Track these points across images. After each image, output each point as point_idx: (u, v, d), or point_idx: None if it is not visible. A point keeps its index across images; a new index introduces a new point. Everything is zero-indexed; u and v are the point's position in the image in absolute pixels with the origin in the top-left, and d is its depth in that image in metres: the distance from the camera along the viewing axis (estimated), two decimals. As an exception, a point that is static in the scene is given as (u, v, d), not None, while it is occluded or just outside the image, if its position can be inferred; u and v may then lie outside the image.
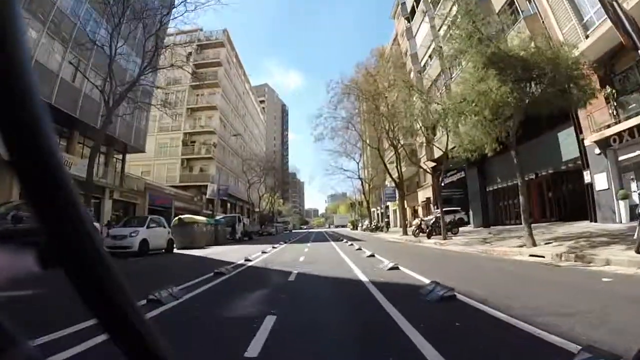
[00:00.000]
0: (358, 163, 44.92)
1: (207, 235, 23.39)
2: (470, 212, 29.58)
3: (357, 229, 57.26)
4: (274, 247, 19.33)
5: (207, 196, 40.73)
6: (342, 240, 26.28)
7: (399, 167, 31.16)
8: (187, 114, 46.49)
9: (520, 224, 14.00)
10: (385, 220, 51.37)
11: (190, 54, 51.45)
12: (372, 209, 61.41)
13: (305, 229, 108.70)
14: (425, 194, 37.33)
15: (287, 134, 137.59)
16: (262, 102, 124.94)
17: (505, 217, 25.94)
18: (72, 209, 0.39)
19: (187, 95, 47.41)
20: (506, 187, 25.15)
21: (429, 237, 19.63)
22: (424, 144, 34.23)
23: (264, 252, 16.23)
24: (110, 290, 0.41)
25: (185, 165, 43.91)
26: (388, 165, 36.74)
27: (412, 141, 36.42)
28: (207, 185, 41.93)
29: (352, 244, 19.94)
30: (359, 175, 45.81)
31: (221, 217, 32.54)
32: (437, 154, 31.23)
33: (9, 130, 0.35)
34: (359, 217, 63.34)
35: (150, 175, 42.64)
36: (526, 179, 21.38)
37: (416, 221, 23.48)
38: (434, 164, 33.39)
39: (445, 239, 17.63)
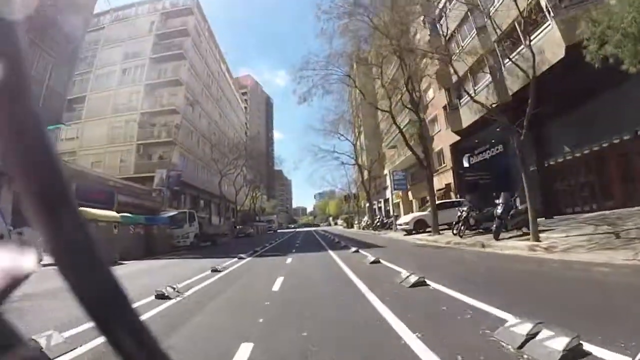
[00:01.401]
0: (355, 145, 37.06)
1: (124, 242, 15.60)
2: (519, 198, 22.12)
3: (352, 226, 49.53)
4: (219, 271, 9.58)
5: (154, 185, 32.46)
6: (342, 245, 17.22)
7: (418, 137, 23.35)
8: (145, 90, 38.37)
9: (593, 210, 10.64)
10: (395, 214, 44.08)
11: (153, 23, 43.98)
12: (368, 204, 53.95)
13: (293, 227, 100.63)
14: (442, 180, 30.00)
15: (272, 128, 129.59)
16: (244, 94, 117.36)
17: (567, 203, 18.60)
18: (68, 210, 0.39)
19: (146, 69, 39.30)
20: (572, 160, 17.81)
21: (497, 238, 11.81)
22: (446, 110, 26.90)
23: (173, 292, 6.58)
24: (107, 292, 0.41)
25: (142, 152, 35.79)
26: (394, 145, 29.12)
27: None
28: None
29: (366, 255, 11.44)
30: (355, 161, 38.03)
31: (170, 214, 24.52)
32: (465, 121, 23.92)
33: (6, 134, 0.36)
34: (354, 213, 55.71)
35: (101, 166, 34.54)
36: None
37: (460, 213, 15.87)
38: (456, 137, 26.04)
39: (537, 239, 9.73)
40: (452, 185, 28.05)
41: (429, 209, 21.05)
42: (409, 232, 21.65)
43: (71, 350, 3.49)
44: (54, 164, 0.38)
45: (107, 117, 37.88)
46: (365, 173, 37.82)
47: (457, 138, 26.86)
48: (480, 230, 15.07)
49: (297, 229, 75.86)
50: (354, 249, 13.78)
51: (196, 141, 40.85)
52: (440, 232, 18.65)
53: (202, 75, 45.43)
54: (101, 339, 0.41)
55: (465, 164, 27.29)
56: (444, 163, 29.62)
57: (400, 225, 22.34)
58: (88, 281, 0.40)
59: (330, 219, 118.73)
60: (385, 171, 45.78)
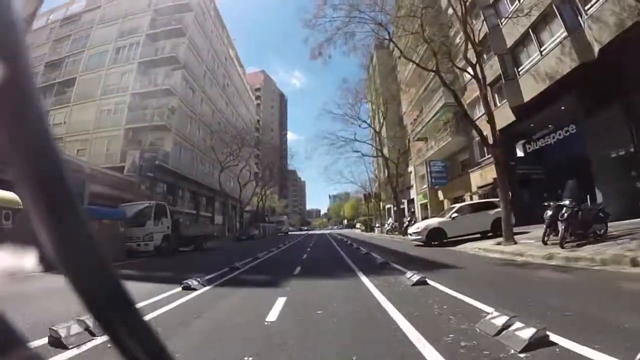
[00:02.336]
0: (378, 132, 31.36)
1: (21, 239, 10.23)
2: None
3: (372, 230, 43.80)
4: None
5: (124, 172, 27.41)
6: (377, 262, 10.69)
7: (464, 116, 17.91)
8: (139, 70, 33.70)
9: None
10: (410, 219, 38.58)
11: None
12: (388, 205, 48.37)
13: (306, 230, 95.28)
14: (486, 175, 24.33)
15: (286, 126, 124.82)
16: (257, 90, 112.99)
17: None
18: (71, 210, 0.39)
19: (141, 46, 34.65)
20: None
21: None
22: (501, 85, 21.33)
23: None
24: (109, 290, 0.41)
25: (131, 138, 30.97)
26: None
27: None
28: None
29: (443, 291, 5.68)
30: (379, 152, 32.33)
31: (131, 205, 18.52)
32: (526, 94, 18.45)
33: (10, 133, 0.36)
34: (372, 216, 49.73)
35: (86, 154, 30.00)
36: None
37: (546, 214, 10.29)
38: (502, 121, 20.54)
39: None
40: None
41: (450, 214, 16.21)
42: (425, 244, 16.22)
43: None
44: (57, 163, 0.38)
45: (96, 99, 33.36)
46: (392, 167, 31.82)
47: (505, 122, 21.27)
48: (588, 237, 9.53)
49: (310, 232, 70.47)
50: (404, 271, 8.13)
51: (196, 129, 35.93)
52: (460, 241, 13.11)
53: (206, 57, 40.60)
54: (105, 337, 0.40)
55: (519, 153, 21.66)
56: (488, 154, 23.93)
57: (411, 235, 17.04)
58: (91, 280, 0.40)
59: (345, 221, 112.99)
60: (410, 168, 40.17)
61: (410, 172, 40.23)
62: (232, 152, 34.84)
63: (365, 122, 31.66)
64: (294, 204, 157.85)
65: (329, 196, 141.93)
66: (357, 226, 67.34)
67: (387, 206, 51.64)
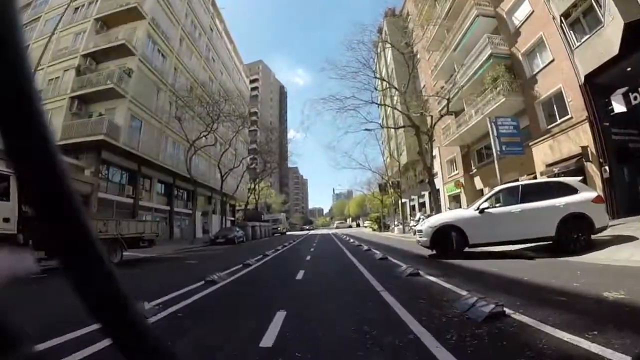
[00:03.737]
0: (404, 93, 23.21)
1: None
2: None
3: (386, 229, 36.00)
4: None
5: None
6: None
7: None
8: (95, 28, 26.44)
9: None
10: (422, 215, 31.14)
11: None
12: (404, 199, 40.92)
13: (307, 229, 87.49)
14: (558, 147, 16.82)
15: (286, 119, 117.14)
16: (255, 80, 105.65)
17: None
18: (72, 210, 0.38)
19: (100, 2, 27.36)
20: None
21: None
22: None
23: None
24: (111, 293, 0.41)
25: (78, 109, 23.71)
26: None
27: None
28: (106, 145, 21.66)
29: None
30: (407, 117, 23.78)
31: None
32: None
33: (10, 132, 0.36)
34: (386, 213, 41.87)
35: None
36: None
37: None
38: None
39: None
40: (592, 149, 14.91)
41: (478, 204, 9.60)
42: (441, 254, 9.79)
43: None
44: (56, 162, 0.37)
45: (44, 66, 26.07)
46: (424, 140, 23.44)
47: (597, 61, 13.92)
48: None
49: (311, 232, 62.56)
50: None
51: (166, 103, 28.46)
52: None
53: (183, 20, 33.24)
54: (107, 340, 0.40)
55: (619, 108, 14.38)
56: (568, 114, 16.44)
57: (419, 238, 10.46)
58: (92, 282, 0.40)
59: (349, 220, 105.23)
60: (434, 152, 32.68)
61: (434, 156, 32.68)
62: (207, 126, 27.14)
63: (385, 80, 23.72)
64: (295, 202, 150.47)
65: (333, 190, 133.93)
66: (365, 224, 59.40)
67: (404, 200, 44.20)
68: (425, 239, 9.93)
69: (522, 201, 9.01)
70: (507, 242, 9.00)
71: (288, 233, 54.28)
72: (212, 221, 37.45)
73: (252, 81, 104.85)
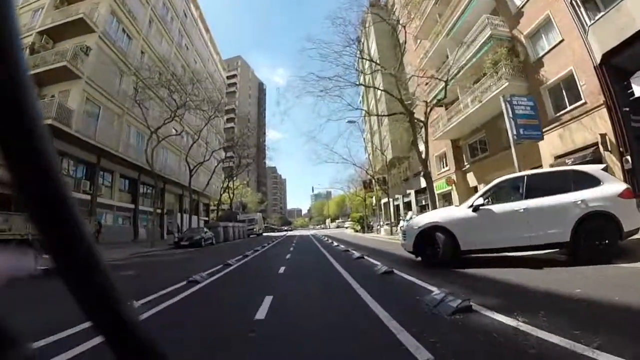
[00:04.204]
0: (395, 76, 20.82)
1: None
2: None
3: (370, 230, 33.73)
4: None
5: None
6: None
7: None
8: (55, 3, 23.38)
9: None
10: (406, 215, 29.36)
11: None
12: (385, 200, 39.09)
13: (286, 230, 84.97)
14: (571, 137, 15.12)
15: (265, 116, 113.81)
16: (233, 76, 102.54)
17: None
18: (66, 211, 0.39)
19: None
20: None
21: None
22: None
23: None
24: (104, 292, 0.41)
25: (23, 92, 20.63)
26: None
27: None
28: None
29: None
30: (400, 101, 21.16)
31: None
32: None
33: (5, 134, 0.36)
34: (370, 213, 39.66)
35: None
36: None
37: None
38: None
39: None
40: (611, 138, 13.26)
41: (472, 201, 7.67)
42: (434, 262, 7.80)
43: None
44: (50, 164, 0.37)
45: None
46: (418, 129, 21.17)
47: (615, 39, 12.34)
48: None
49: (289, 232, 59.93)
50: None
51: (130, 88, 25.50)
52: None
53: (153, 0, 30.39)
54: (99, 339, 0.40)
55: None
56: (582, 99, 14.77)
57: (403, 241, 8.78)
58: (86, 281, 0.40)
59: (328, 221, 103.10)
60: (422, 147, 30.90)
61: (422, 151, 30.94)
62: (172, 112, 24.20)
63: (373, 60, 21.32)
64: (273, 203, 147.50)
65: (312, 189, 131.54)
66: (346, 225, 57.15)
67: (384, 201, 42.33)
68: (407, 242, 8.03)
69: (528, 197, 6.99)
70: (508, 249, 7.05)
71: (265, 234, 51.54)
72: (183, 221, 34.62)
73: (230, 77, 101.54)
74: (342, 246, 15.07)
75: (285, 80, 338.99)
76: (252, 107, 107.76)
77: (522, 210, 6.83)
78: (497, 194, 7.61)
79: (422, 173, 18.53)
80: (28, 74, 0.37)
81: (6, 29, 0.36)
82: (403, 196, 35.06)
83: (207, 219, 44.14)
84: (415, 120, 19.44)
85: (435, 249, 7.39)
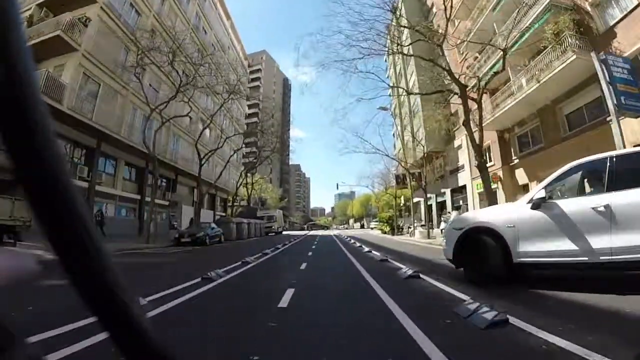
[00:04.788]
0: (440, 46, 17.07)
1: None
2: None
3: (400, 232, 30.22)
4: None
5: None
6: None
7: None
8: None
9: None
10: (443, 215, 25.94)
11: None
12: (417, 199, 35.70)
13: (307, 229, 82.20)
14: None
15: (289, 112, 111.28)
16: (257, 71, 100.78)
17: None
18: (72, 206, 0.38)
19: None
20: None
21: None
22: None
23: None
24: (110, 288, 0.40)
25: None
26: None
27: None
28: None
29: None
30: (449, 72, 17.11)
31: None
32: None
33: (10, 130, 0.35)
34: (399, 213, 35.81)
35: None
36: None
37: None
38: None
39: None
40: None
41: (533, 195, 5.18)
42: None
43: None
44: (55, 157, 0.37)
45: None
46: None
47: None
48: None
49: (310, 232, 56.46)
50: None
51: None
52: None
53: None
54: (104, 335, 0.39)
55: None
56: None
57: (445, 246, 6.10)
58: (90, 276, 0.39)
59: (352, 221, 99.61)
60: (458, 141, 27.34)
61: (459, 146, 27.40)
62: (178, 88, 21.24)
63: (412, 27, 17.57)
64: (297, 201, 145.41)
65: (337, 186, 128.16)
66: (371, 226, 53.50)
67: (416, 200, 38.72)
68: (447, 248, 6.13)
69: (613, 188, 4.64)
70: (579, 264, 4.70)
71: (285, 233, 48.73)
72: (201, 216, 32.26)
73: (254, 71, 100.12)
74: (377, 253, 11.95)
75: (310, 78, 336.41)
76: (277, 103, 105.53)
77: (602, 207, 4.53)
78: (568, 185, 5.44)
79: (477, 164, 15.08)
80: (34, 69, 0.36)
81: (10, 25, 0.35)
82: (437, 195, 31.50)
83: (224, 214, 41.83)
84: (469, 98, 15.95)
85: (481, 259, 5.44)
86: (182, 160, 30.23)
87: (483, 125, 22.05)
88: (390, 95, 29.48)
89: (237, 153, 44.61)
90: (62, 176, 0.37)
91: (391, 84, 28.11)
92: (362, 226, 71.91)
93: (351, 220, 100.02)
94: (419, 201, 39.40)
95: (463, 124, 15.13)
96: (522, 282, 5.22)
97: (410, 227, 28.19)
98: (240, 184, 38.57)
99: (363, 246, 15.40)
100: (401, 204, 47.00)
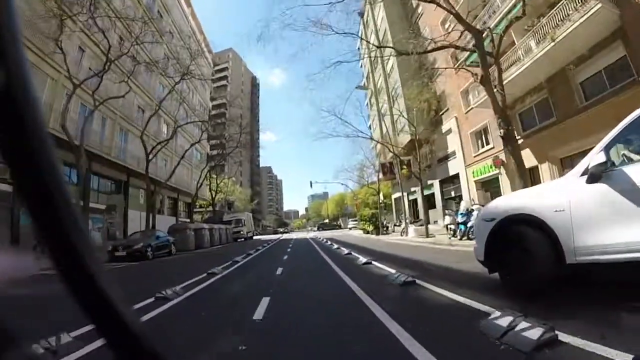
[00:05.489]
0: None
1: None
2: None
3: (385, 231, 25.98)
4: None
5: None
6: None
7: None
8: None
9: None
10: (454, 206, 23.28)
11: None
12: (397, 194, 32.70)
13: (282, 231, 78.15)
14: None
15: (258, 112, 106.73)
16: (224, 69, 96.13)
17: None
18: (67, 213, 0.39)
19: None
20: None
21: None
22: None
23: None
24: (105, 294, 0.40)
25: None
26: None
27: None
28: None
29: None
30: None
31: None
32: None
33: (5, 133, 0.36)
34: (383, 211, 32.34)
35: None
36: None
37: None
38: None
39: None
40: None
41: (580, 167, 3.48)
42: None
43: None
44: (51, 164, 0.37)
45: None
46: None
47: None
48: None
49: (284, 235, 52.09)
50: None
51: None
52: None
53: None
54: (100, 341, 0.41)
55: None
56: None
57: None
58: (86, 283, 0.39)
59: (327, 222, 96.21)
60: (448, 124, 24.46)
61: (448, 131, 24.52)
62: (105, 56, 16.65)
63: None
64: (269, 204, 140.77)
65: (310, 184, 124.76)
66: (349, 226, 49.84)
67: (396, 195, 35.70)
68: (478, 246, 4.43)
69: None
70: None
71: (256, 237, 44.50)
72: (158, 223, 27.97)
73: (220, 70, 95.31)
74: (380, 265, 8.47)
75: (281, 80, 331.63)
76: (245, 102, 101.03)
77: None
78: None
79: (502, 134, 11.94)
80: (30, 74, 0.37)
81: (7, 29, 0.35)
82: (422, 188, 28.52)
83: (187, 220, 37.48)
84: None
85: (523, 260, 3.78)
86: (132, 159, 25.98)
87: (479, 104, 19.34)
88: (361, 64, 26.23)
89: (201, 154, 40.53)
90: (57, 180, 0.37)
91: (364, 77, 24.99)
92: (338, 226, 68.39)
93: (326, 221, 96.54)
94: (400, 197, 36.54)
95: (480, 82, 11.98)
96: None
97: (398, 225, 25.15)
98: (202, 184, 33.95)
99: (353, 252, 11.86)
100: (380, 201, 44.14)
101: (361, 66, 40.39)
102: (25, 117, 0.35)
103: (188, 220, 38.01)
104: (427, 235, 16.45)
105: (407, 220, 22.68)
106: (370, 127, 40.20)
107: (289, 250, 16.41)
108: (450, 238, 14.36)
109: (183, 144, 35.03)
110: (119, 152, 24.30)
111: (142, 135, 21.66)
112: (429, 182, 26.88)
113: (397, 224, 26.45)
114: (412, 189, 30.51)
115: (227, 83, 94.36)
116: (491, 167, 19.60)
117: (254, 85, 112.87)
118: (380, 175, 29.79)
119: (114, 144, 23.86)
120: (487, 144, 20.95)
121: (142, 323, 0.42)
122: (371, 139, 29.26)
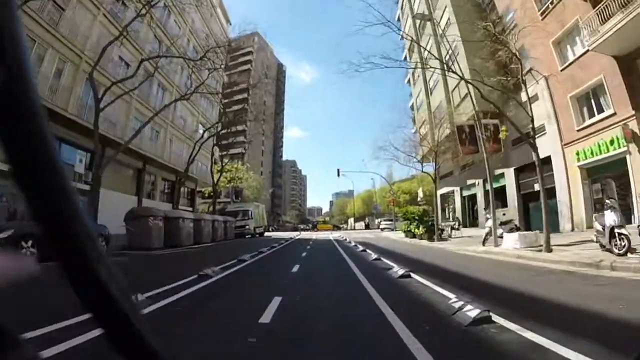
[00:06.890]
0: None
1: None
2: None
3: (440, 237, 18.21)
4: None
5: None
6: None
7: None
8: None
9: None
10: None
11: None
12: (444, 190, 25.75)
13: (302, 228, 70.86)
14: None
15: (283, 101, 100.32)
16: (249, 53, 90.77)
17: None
18: (68, 204, 0.38)
19: None
20: None
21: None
22: None
23: None
24: (106, 285, 0.40)
25: None
26: None
27: None
28: None
29: None
30: None
31: None
32: None
33: (6, 128, 0.36)
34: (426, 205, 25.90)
35: None
36: None
37: None
38: None
39: None
40: None
41: None
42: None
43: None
44: (51, 157, 0.37)
45: None
46: None
47: None
48: None
49: (298, 236, 38.25)
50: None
51: None
52: None
53: None
54: (98, 332, 0.39)
55: None
56: None
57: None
58: (87, 275, 0.39)
59: (352, 220, 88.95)
60: (531, 91, 17.36)
61: (532, 97, 17.32)
62: None
63: None
64: (291, 199, 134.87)
65: (338, 172, 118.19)
66: (381, 227, 42.36)
67: (443, 190, 28.52)
68: None
69: None
70: None
71: (268, 234, 37.81)
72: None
73: (245, 54, 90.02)
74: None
75: (310, 76, 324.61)
76: (270, 88, 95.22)
77: None
78: None
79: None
80: (31, 72, 0.37)
81: (9, 27, 0.35)
82: (484, 182, 21.25)
83: (190, 209, 31.55)
84: None
85: None
86: (112, 127, 20.22)
87: (595, 46, 12.40)
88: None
89: (208, 131, 34.56)
90: (58, 175, 0.37)
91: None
92: (366, 226, 61.05)
93: (351, 220, 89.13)
94: (447, 193, 29.42)
95: None
96: None
97: (456, 229, 18.25)
98: (192, 159, 26.49)
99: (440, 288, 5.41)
100: (420, 198, 36.94)
101: (401, 38, 33.51)
102: (26, 116, 0.35)
103: (190, 208, 32.10)
104: (549, 247, 9.16)
105: (456, 224, 15.81)
106: (412, 107, 33.33)
107: (298, 263, 9.89)
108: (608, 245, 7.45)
109: (184, 116, 29.31)
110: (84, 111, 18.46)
111: (92, 72, 15.01)
112: (497, 171, 19.75)
113: (456, 227, 19.35)
114: (470, 182, 23.44)
115: (251, 67, 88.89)
116: (619, 141, 12.53)
117: (280, 72, 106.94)
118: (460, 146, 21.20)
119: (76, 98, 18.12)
120: (601, 110, 13.87)
121: (142, 316, 0.42)
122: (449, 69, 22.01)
